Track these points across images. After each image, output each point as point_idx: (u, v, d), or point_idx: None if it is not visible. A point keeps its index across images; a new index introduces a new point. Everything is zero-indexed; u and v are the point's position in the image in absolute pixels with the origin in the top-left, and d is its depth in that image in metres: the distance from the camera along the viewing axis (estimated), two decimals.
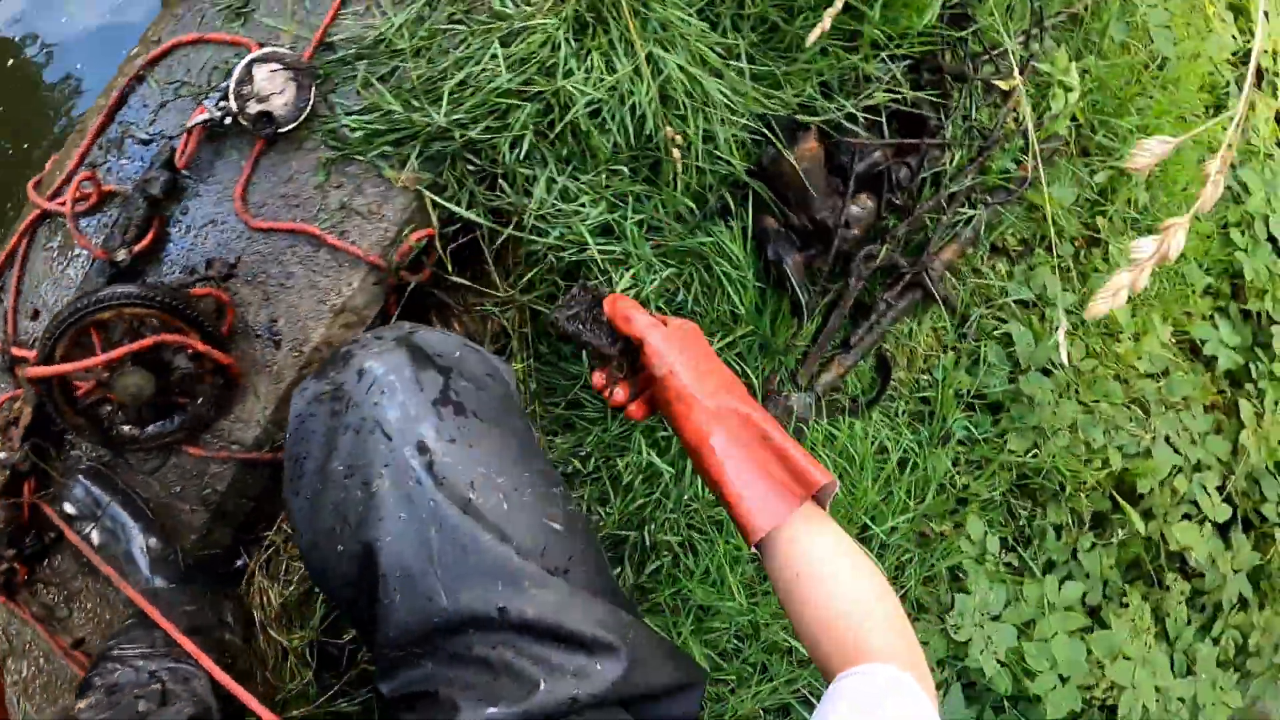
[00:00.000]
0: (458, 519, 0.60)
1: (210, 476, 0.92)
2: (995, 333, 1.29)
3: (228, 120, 0.87)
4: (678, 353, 0.70)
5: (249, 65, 0.85)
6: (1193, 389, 1.39)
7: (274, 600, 0.92)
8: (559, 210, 0.88)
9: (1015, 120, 1.28)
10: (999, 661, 1.14)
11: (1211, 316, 1.45)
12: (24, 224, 0.93)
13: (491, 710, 0.58)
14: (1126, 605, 1.27)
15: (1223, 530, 1.38)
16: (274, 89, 0.86)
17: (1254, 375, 1.43)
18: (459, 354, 0.69)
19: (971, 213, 1.23)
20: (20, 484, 0.92)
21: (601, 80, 0.85)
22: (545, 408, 1.00)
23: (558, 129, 0.85)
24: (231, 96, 0.85)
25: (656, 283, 0.91)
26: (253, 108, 0.86)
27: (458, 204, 0.88)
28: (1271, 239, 1.49)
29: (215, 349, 0.83)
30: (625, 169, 0.90)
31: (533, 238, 0.89)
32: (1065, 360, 0.80)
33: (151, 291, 0.80)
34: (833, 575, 0.63)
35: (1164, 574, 1.33)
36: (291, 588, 0.94)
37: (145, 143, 0.92)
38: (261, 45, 0.90)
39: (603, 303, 0.75)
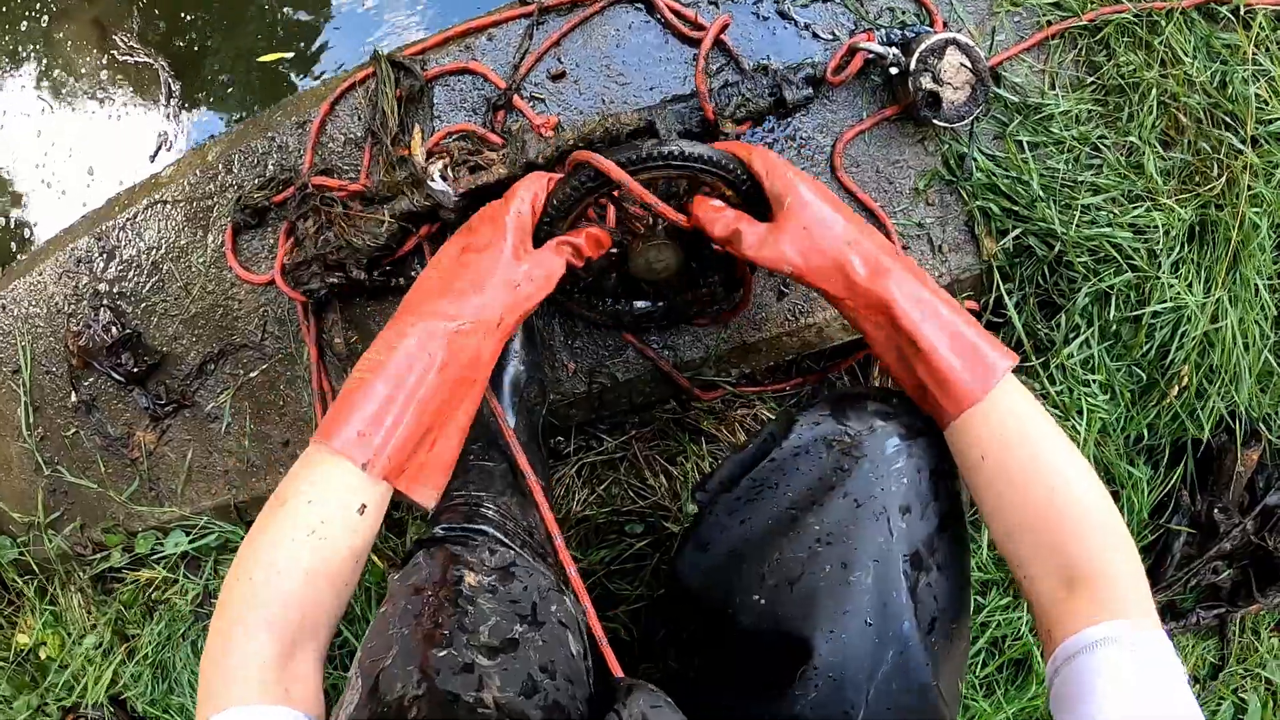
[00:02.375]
0: (918, 654, 0.55)
1: (618, 361, 0.81)
2: None
3: (892, 70, 0.79)
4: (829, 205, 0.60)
5: (948, 43, 0.79)
6: None
7: (574, 505, 0.82)
8: (1069, 375, 0.87)
9: None
10: None
11: None
12: None
13: None
14: None
15: None
16: (953, 80, 0.80)
17: None
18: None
19: None
20: (421, 220, 0.78)
21: (1189, 294, 0.85)
22: None
23: (1116, 304, 0.84)
24: (914, 57, 0.78)
25: None
26: (925, 82, 0.79)
27: (1010, 296, 0.84)
28: None
29: (749, 274, 0.74)
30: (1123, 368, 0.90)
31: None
32: None
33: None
34: (1050, 466, 0.53)
35: None
36: (588, 509, 0.85)
37: (789, 21, 0.81)
38: (946, 25, 0.84)
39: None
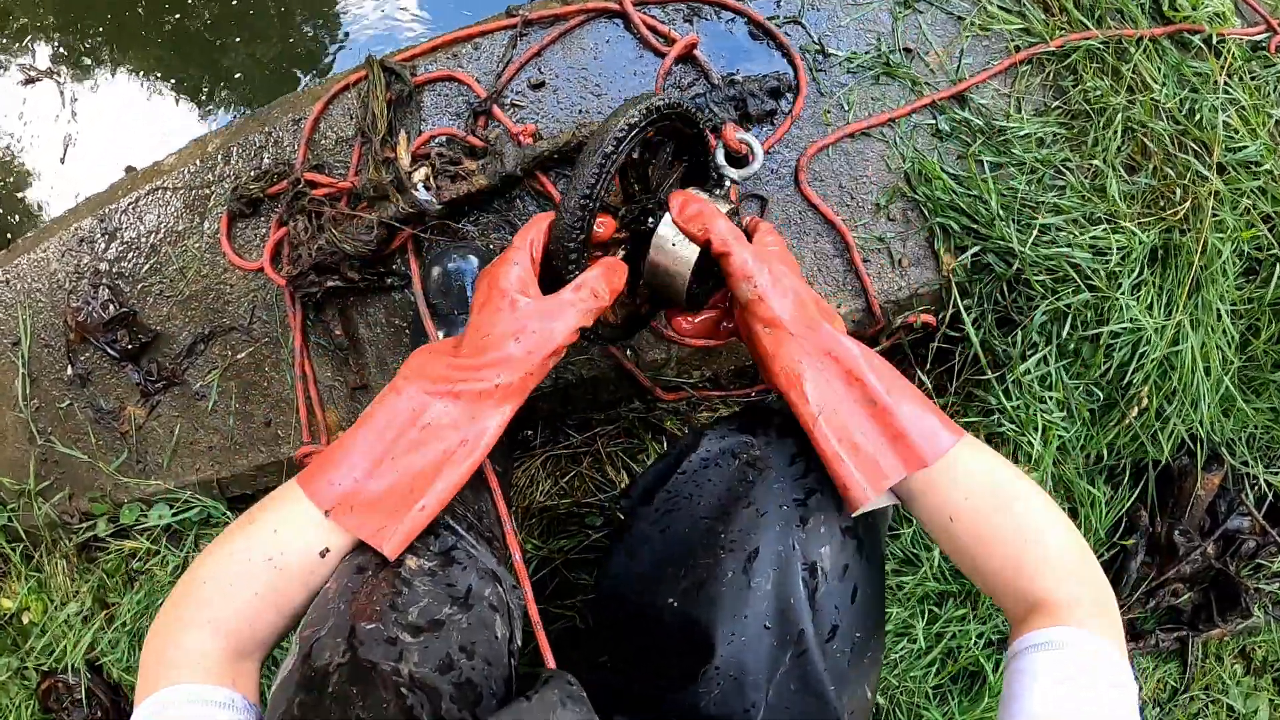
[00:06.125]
0: (814, 658, 0.57)
1: (583, 359, 0.84)
2: None
3: None
4: (769, 274, 0.59)
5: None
6: None
7: (537, 496, 0.85)
8: (1026, 391, 0.88)
9: None
10: None
11: None
12: (590, 5, 0.84)
13: None
14: None
15: None
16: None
17: None
18: None
19: None
20: (405, 224, 0.81)
21: (1149, 316, 0.87)
22: None
23: (1074, 323, 0.86)
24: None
25: None
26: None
27: (968, 312, 0.87)
28: None
29: None
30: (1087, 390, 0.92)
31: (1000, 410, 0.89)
32: None
33: None
34: (994, 513, 0.55)
35: None
36: (550, 500, 0.87)
37: (762, 38, 0.85)
38: (908, 52, 0.86)
39: (664, 202, 0.60)
